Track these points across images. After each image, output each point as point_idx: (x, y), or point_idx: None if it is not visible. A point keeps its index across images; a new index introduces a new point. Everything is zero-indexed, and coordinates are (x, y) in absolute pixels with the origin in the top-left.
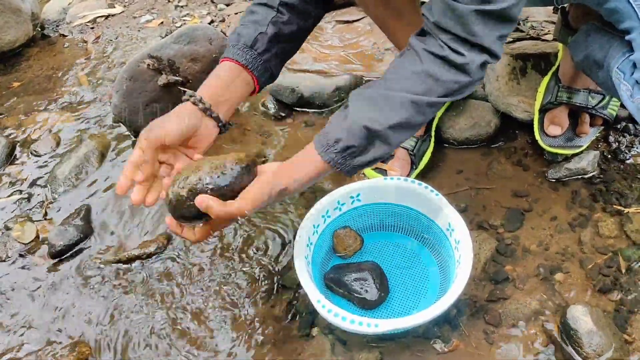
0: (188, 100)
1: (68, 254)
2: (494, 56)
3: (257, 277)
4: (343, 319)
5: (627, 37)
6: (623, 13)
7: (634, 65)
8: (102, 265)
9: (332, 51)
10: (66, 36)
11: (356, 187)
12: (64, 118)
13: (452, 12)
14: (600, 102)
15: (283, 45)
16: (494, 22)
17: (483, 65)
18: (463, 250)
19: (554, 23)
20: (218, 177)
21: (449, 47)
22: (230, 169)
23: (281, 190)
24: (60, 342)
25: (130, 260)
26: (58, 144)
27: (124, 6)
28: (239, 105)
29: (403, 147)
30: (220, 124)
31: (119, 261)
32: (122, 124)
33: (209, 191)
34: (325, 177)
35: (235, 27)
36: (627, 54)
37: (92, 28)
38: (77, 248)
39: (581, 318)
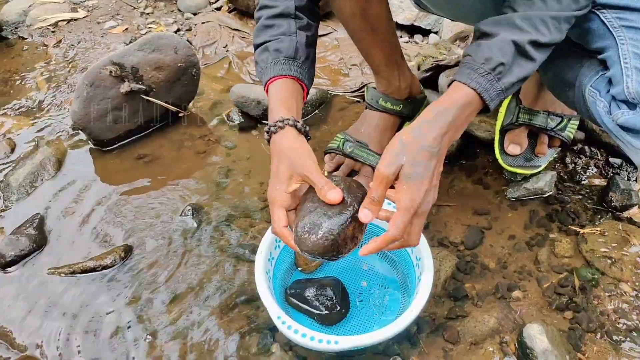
0: (281, 127)
1: (19, 264)
2: None
3: (216, 292)
4: (303, 335)
5: (600, 57)
6: (595, 33)
7: (609, 82)
8: (55, 277)
9: None
10: (25, 39)
11: None
12: (20, 123)
13: None
14: (558, 124)
15: (313, 48)
16: None
17: None
18: (424, 267)
19: None
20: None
21: None
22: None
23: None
24: (8, 357)
25: (85, 271)
26: (13, 150)
27: (88, 11)
28: None
29: (370, 165)
30: (308, 138)
31: (73, 272)
32: (81, 131)
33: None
34: None
35: (259, 50)
36: (601, 72)
37: (54, 32)
38: (29, 258)
39: (537, 337)
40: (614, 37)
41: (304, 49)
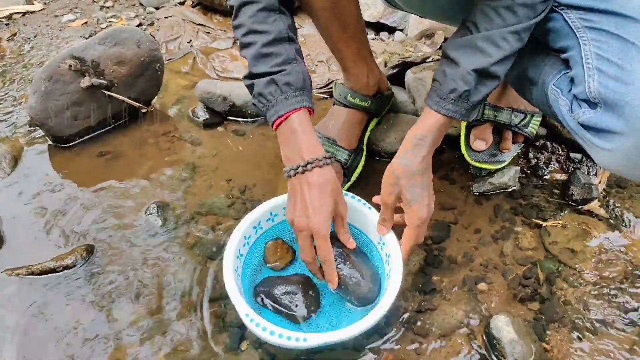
0: (319, 165)
1: None
2: None
3: (183, 290)
4: (271, 333)
5: (563, 56)
6: (559, 32)
7: (572, 81)
8: (12, 278)
9: None
10: None
11: None
12: None
13: None
14: (522, 120)
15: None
16: None
17: None
18: (393, 264)
19: None
20: None
21: None
22: None
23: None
24: None
25: (44, 272)
26: None
27: (44, 3)
28: None
29: (337, 160)
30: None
31: (31, 273)
32: (38, 127)
33: None
34: (253, 187)
35: (260, 81)
36: (563, 71)
37: (7, 25)
38: None
39: (504, 328)
40: (577, 37)
41: (308, 77)
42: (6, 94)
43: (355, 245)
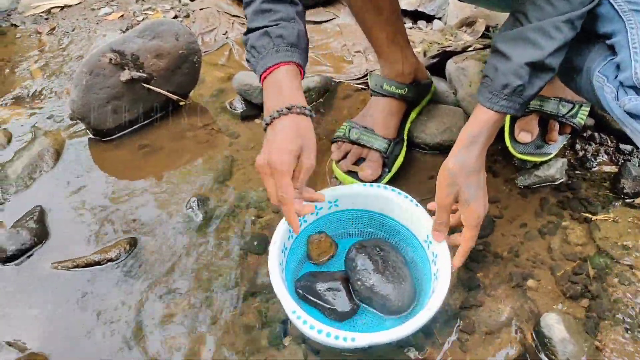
0: (287, 114)
1: (21, 259)
2: None
3: (225, 284)
4: (319, 331)
5: (608, 42)
6: (604, 17)
7: (617, 68)
8: (58, 271)
9: None
10: (18, 26)
11: (335, 193)
12: (16, 113)
13: None
14: (570, 110)
15: (307, 37)
16: None
17: None
18: (441, 264)
19: None
20: None
21: None
22: None
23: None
24: (13, 356)
25: (88, 265)
26: (9, 141)
27: None
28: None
29: (376, 150)
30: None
31: (76, 266)
32: (79, 121)
33: None
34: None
35: (255, 34)
36: (609, 57)
37: (47, 19)
38: (30, 252)
39: (555, 326)
40: (624, 21)
41: (303, 36)
42: (47, 87)
43: (312, 210)
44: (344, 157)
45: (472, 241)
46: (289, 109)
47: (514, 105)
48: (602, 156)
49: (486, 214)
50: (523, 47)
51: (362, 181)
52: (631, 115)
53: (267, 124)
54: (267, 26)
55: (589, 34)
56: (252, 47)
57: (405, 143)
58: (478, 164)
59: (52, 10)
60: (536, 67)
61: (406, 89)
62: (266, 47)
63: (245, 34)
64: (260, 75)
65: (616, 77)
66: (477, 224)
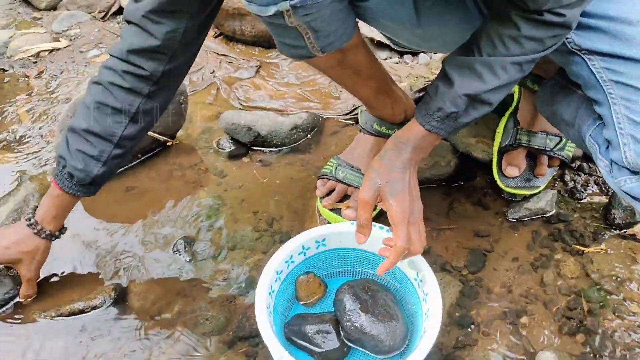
0: (25, 219)
1: (4, 309)
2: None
3: (213, 328)
4: None
5: (595, 109)
6: (587, 81)
7: (608, 142)
8: (42, 320)
9: (289, 89)
10: (6, 70)
11: (322, 232)
12: (2, 157)
13: None
14: (557, 144)
15: (119, 165)
16: None
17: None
18: (432, 303)
19: None
20: None
21: (549, 12)
22: None
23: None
24: None
25: (73, 314)
26: None
27: (70, 40)
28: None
29: None
30: (52, 239)
31: (60, 315)
32: None
33: None
34: (281, 219)
35: (62, 146)
36: (597, 121)
37: (35, 62)
38: (14, 302)
39: None
40: (605, 93)
41: (101, 179)
42: (34, 131)
43: None
44: (329, 193)
45: (401, 240)
46: (29, 220)
47: (445, 128)
48: (592, 187)
49: (416, 215)
50: (467, 77)
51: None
52: (630, 195)
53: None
54: (70, 151)
55: (576, 88)
56: (59, 148)
57: None
58: (403, 166)
59: (40, 53)
60: (474, 100)
61: (396, 129)
62: (60, 167)
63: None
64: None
65: (607, 148)
66: (402, 219)
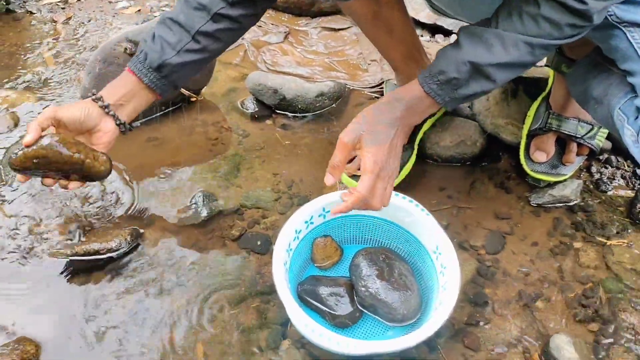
0: (87, 96)
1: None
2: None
3: (225, 284)
4: (320, 335)
5: (629, 79)
6: (624, 53)
7: (638, 110)
8: (56, 258)
9: (317, 57)
10: (34, 14)
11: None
12: (25, 97)
13: None
14: (588, 132)
15: (192, 69)
16: None
17: (604, 9)
18: (450, 276)
19: None
20: None
21: None
22: None
23: (391, 121)
24: (6, 339)
25: (87, 254)
26: (16, 125)
27: None
28: (143, 110)
29: None
30: (119, 123)
31: (75, 254)
32: None
33: None
34: (300, 182)
35: (152, 29)
36: (630, 94)
37: (64, 8)
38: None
39: (565, 348)
40: None
41: (171, 67)
42: (59, 75)
43: None
44: (350, 161)
45: (364, 189)
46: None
47: (443, 94)
48: (618, 180)
49: (387, 171)
50: (477, 45)
51: None
52: None
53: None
54: (153, 37)
55: (611, 64)
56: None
57: (415, 151)
58: (393, 122)
59: (69, 0)
60: (478, 70)
61: None
62: (139, 51)
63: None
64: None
65: (637, 118)
66: (372, 169)
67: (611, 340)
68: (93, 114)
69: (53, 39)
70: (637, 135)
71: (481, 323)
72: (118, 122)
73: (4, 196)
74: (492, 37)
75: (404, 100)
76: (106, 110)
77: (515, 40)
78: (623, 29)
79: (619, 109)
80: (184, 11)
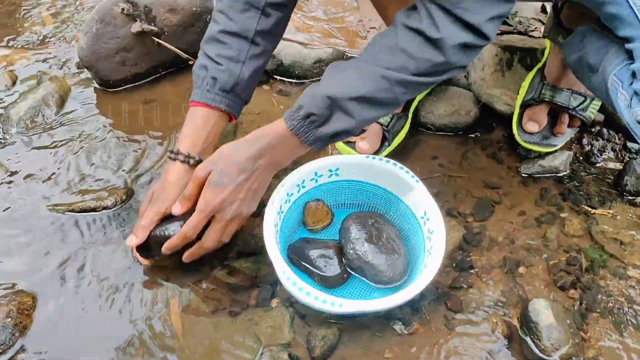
0: (175, 159)
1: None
2: (483, 37)
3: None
4: (307, 294)
5: (627, 46)
6: (623, 19)
7: (633, 75)
8: (54, 214)
9: (316, 23)
10: None
11: (336, 161)
12: (23, 56)
13: None
14: (581, 103)
15: (258, 76)
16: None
17: (464, 46)
18: (436, 241)
19: (540, 21)
20: None
21: (430, 18)
22: None
23: (251, 156)
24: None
25: (84, 211)
26: (14, 83)
27: None
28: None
29: (377, 122)
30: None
31: (72, 211)
32: (86, 69)
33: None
34: None
35: (201, 59)
36: (626, 61)
37: None
38: None
39: (542, 311)
40: None
41: (244, 82)
42: (57, 34)
43: None
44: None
45: (188, 227)
46: (173, 156)
47: (306, 132)
48: (608, 152)
49: (223, 213)
50: (335, 77)
51: (359, 152)
52: None
53: (168, 158)
54: (211, 58)
55: (609, 33)
56: (196, 68)
57: (409, 120)
58: (248, 164)
59: None
60: (336, 104)
61: None
62: (200, 80)
63: (202, 44)
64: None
65: (631, 84)
66: (202, 209)
67: (590, 306)
68: (185, 178)
69: None
70: (631, 99)
71: (464, 287)
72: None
73: (7, 154)
74: (352, 70)
75: (267, 139)
76: (198, 164)
77: (373, 73)
78: None
79: (614, 75)
80: (231, 18)
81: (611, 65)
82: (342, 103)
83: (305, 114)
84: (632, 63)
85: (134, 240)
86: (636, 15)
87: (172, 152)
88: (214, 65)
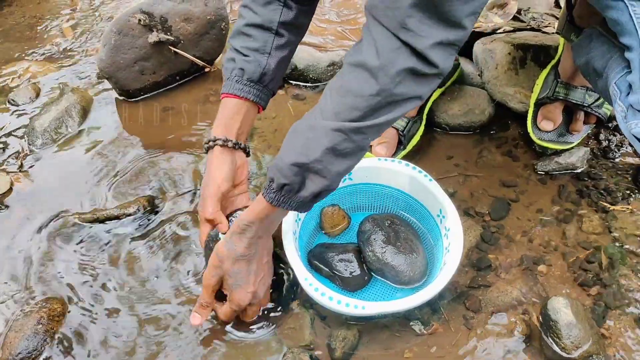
0: (214, 145)
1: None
2: (430, 64)
3: None
4: (330, 298)
5: (626, 54)
6: (624, 27)
7: (630, 87)
8: (79, 223)
9: (329, 25)
10: None
11: None
12: (46, 68)
13: None
14: (596, 100)
15: (284, 67)
16: (435, 21)
17: (411, 73)
18: (453, 239)
19: (554, 16)
20: None
21: (372, 46)
22: None
23: (239, 237)
24: (33, 297)
25: (108, 219)
26: (38, 95)
27: None
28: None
29: (393, 127)
30: (247, 151)
31: (96, 220)
32: (106, 80)
33: None
34: None
35: (229, 52)
36: (626, 69)
37: None
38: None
39: (562, 310)
40: (639, 39)
41: (271, 72)
42: (77, 46)
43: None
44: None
45: (226, 317)
46: (214, 141)
47: (287, 201)
48: (626, 148)
49: (255, 303)
50: (294, 142)
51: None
52: (637, 138)
53: (206, 150)
54: (238, 51)
55: (614, 38)
56: (225, 62)
57: (424, 122)
58: (249, 252)
59: None
60: (306, 169)
61: None
62: (229, 72)
63: (229, 39)
64: (221, 93)
65: (628, 94)
66: (239, 305)
67: (610, 304)
68: (233, 160)
69: (70, 10)
70: (627, 111)
71: (483, 286)
72: (247, 152)
73: (32, 165)
74: (307, 131)
75: (254, 225)
76: (237, 147)
77: (325, 129)
78: (625, 1)
79: (615, 83)
80: (255, 11)
81: (613, 72)
82: (309, 166)
83: (278, 185)
84: (630, 73)
85: (198, 320)
86: (634, 25)
87: (209, 140)
88: (241, 57)
